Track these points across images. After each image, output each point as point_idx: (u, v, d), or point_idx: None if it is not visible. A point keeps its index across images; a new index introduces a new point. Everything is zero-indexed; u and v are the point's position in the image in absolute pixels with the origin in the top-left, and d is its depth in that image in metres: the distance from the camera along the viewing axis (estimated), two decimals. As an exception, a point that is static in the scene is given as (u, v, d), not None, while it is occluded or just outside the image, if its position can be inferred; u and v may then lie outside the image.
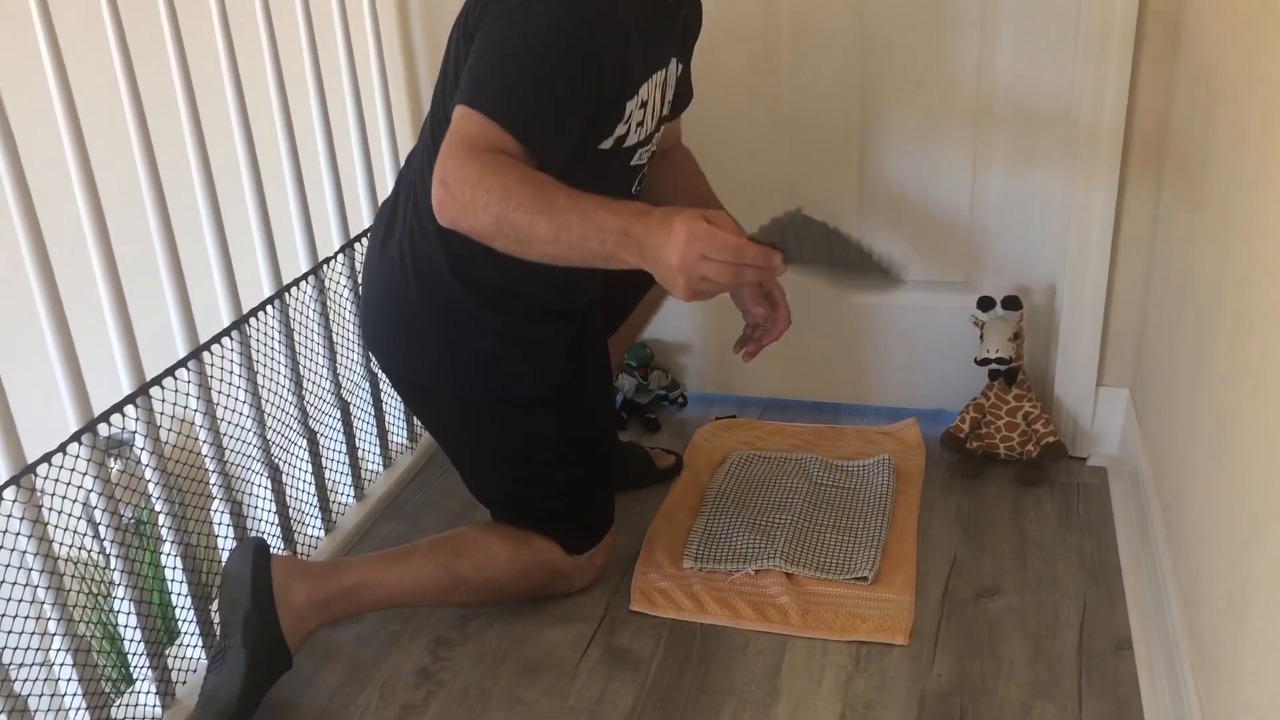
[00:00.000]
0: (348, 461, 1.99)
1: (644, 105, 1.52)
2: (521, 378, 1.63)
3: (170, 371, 1.54)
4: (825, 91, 2.05)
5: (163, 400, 1.52)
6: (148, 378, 1.50)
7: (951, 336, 2.15)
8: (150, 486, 1.54)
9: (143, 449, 1.52)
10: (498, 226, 1.31)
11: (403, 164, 1.69)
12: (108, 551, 1.47)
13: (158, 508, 1.55)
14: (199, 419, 1.62)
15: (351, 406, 2.00)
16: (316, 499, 1.90)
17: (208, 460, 1.65)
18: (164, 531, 1.57)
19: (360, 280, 1.73)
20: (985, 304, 2.03)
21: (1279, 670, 0.98)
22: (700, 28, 1.72)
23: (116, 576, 1.49)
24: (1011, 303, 2.01)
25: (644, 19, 1.47)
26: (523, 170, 1.32)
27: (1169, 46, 1.77)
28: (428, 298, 1.58)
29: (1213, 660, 1.25)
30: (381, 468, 2.11)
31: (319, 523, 1.92)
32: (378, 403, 2.07)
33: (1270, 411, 1.06)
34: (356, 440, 2.02)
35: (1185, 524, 1.47)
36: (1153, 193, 1.87)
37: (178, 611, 1.63)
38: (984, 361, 2.01)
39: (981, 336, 2.02)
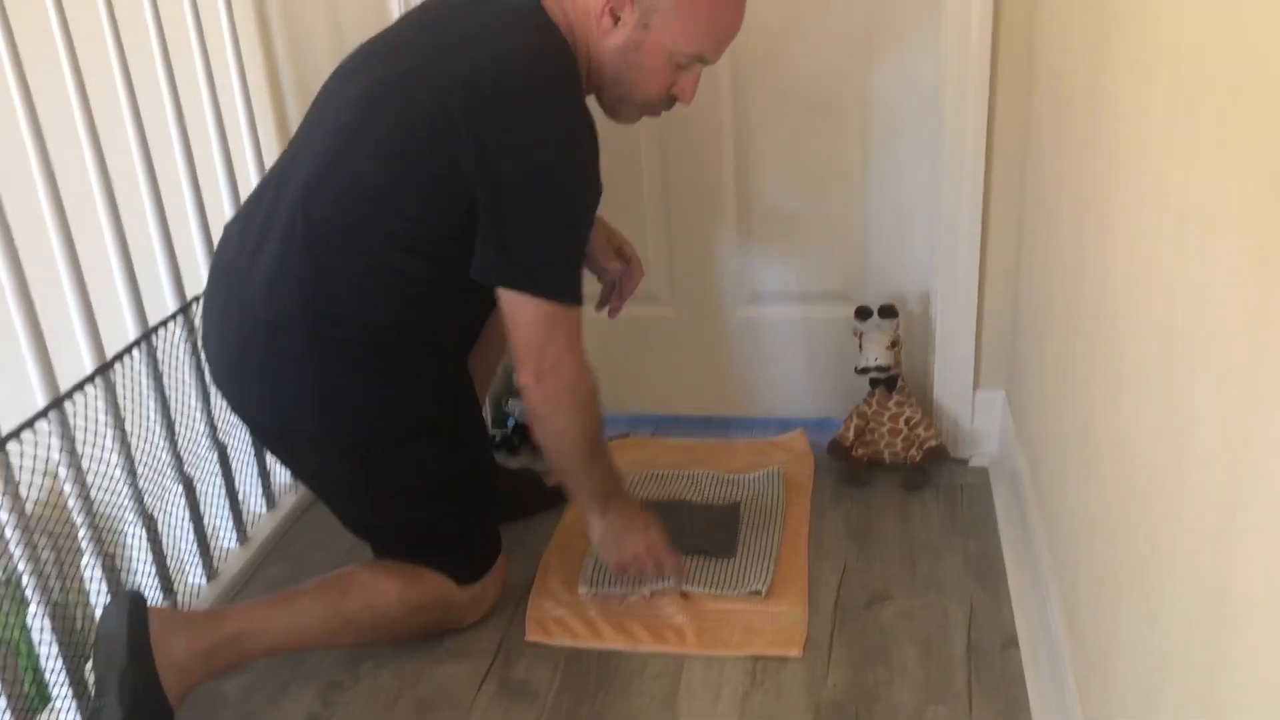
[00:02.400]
0: (228, 505, 1.93)
1: None
2: (391, 412, 1.60)
3: (29, 424, 1.47)
4: (695, 112, 2.05)
5: (21, 455, 1.45)
6: (3, 432, 1.43)
7: (834, 346, 2.18)
8: (11, 546, 1.46)
9: (0, 506, 1.44)
10: (559, 438, 1.61)
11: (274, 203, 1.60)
12: (-34, 617, 1.40)
13: (20, 567, 1.47)
14: (64, 472, 1.55)
15: (229, 448, 1.94)
16: (196, 546, 1.84)
17: (75, 514, 1.58)
18: (29, 591, 1.49)
19: (214, 331, 1.63)
20: (863, 313, 2.06)
21: (1147, 662, 1.01)
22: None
23: (-23, 643, 1.41)
24: (888, 311, 2.05)
25: None
26: (598, 411, 1.65)
27: (1024, 58, 1.83)
28: (291, 343, 1.54)
29: (1089, 655, 1.29)
30: (264, 509, 2.05)
31: (200, 570, 1.86)
32: (257, 442, 2.01)
33: (1127, 410, 1.10)
34: (236, 482, 1.96)
35: (1061, 522, 1.52)
36: (1017, 200, 1.93)
37: (49, 675, 1.55)
38: (864, 370, 2.04)
39: (860, 346, 2.05)
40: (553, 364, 1.54)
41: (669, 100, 1.62)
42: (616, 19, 1.52)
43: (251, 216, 1.61)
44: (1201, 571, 0.85)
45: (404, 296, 1.54)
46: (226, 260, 1.62)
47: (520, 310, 1.52)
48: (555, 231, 1.52)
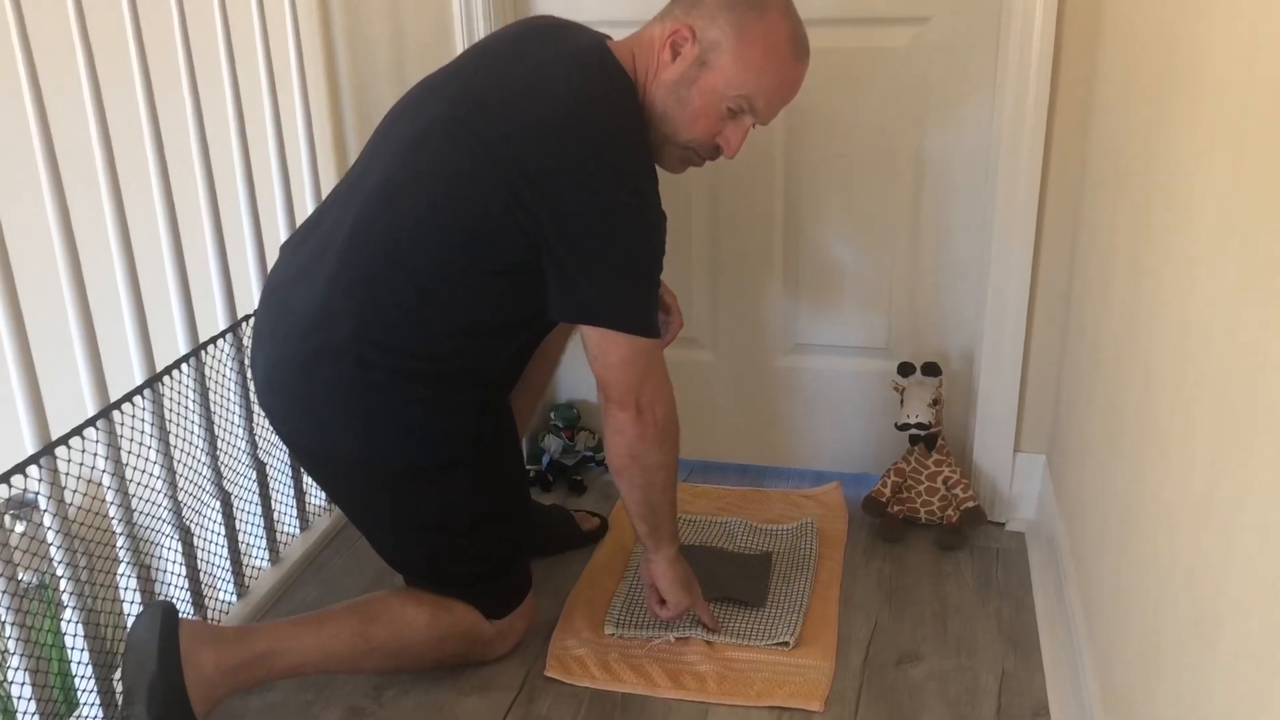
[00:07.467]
0: (263, 524, 1.94)
1: None
2: (433, 442, 1.61)
3: (78, 431, 1.50)
4: (748, 159, 2.08)
5: (68, 460, 1.48)
6: (53, 437, 1.45)
7: (873, 401, 2.18)
8: (52, 550, 1.48)
9: (45, 510, 1.46)
10: (655, 472, 1.64)
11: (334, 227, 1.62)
12: (3, 618, 1.41)
13: (59, 572, 1.49)
14: (107, 480, 1.57)
15: (268, 467, 1.96)
16: (229, 562, 1.85)
17: (115, 523, 1.60)
18: (65, 596, 1.51)
19: (262, 352, 1.66)
20: (905, 369, 2.06)
21: (1187, 738, 1.00)
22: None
23: (12, 645, 1.42)
24: (931, 369, 2.04)
25: None
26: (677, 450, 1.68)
27: (1081, 120, 1.84)
28: (338, 369, 1.55)
29: (1125, 727, 1.26)
30: (298, 530, 2.06)
31: (231, 587, 1.87)
32: (295, 463, 2.02)
33: (1175, 481, 1.09)
34: (272, 502, 1.98)
35: (1099, 590, 1.49)
36: (1066, 263, 1.92)
37: (78, 680, 1.56)
38: (904, 426, 2.03)
39: (902, 402, 2.04)
40: (650, 399, 1.59)
41: (713, 149, 1.64)
42: (676, 53, 1.55)
43: (306, 242, 1.63)
44: (1248, 654, 0.83)
45: (454, 327, 1.56)
46: (279, 283, 1.64)
47: (614, 349, 1.55)
48: (638, 270, 1.56)
